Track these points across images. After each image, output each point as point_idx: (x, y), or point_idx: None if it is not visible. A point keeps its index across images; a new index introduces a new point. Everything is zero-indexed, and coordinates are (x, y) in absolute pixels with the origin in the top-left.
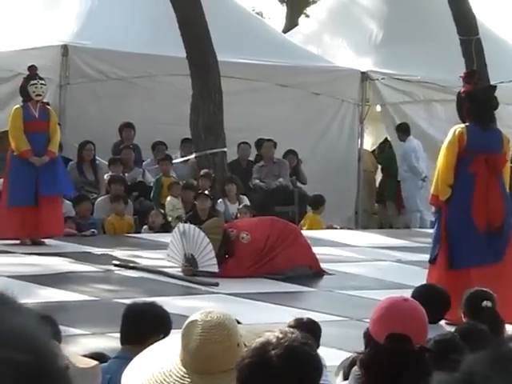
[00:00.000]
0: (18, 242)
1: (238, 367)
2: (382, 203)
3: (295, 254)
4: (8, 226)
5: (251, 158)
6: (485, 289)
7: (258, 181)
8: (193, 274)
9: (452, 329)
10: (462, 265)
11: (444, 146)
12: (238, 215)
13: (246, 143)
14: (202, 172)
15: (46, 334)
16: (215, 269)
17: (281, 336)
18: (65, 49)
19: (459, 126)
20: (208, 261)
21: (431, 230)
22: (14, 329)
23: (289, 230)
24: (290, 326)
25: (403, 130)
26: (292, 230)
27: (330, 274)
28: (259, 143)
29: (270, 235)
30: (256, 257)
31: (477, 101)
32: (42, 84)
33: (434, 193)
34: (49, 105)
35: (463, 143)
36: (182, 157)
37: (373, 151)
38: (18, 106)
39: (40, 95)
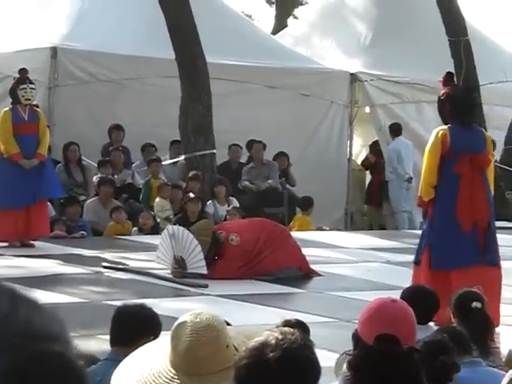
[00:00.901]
0: (6, 244)
1: (235, 366)
2: (371, 204)
3: (284, 255)
4: (1, 230)
5: (243, 159)
6: (474, 289)
7: (247, 182)
8: (182, 276)
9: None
10: (444, 266)
11: (427, 147)
12: (228, 217)
13: (237, 145)
14: (191, 174)
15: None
16: (204, 270)
17: (280, 337)
18: (54, 51)
19: (442, 128)
20: (197, 262)
21: (420, 231)
22: (42, 325)
23: (278, 231)
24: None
25: (393, 130)
26: (281, 232)
27: (320, 276)
28: (250, 145)
29: (259, 237)
30: (245, 259)
31: (458, 102)
32: (31, 88)
33: (419, 194)
34: (38, 107)
35: (446, 144)
36: (172, 159)
37: (364, 159)
38: (6, 108)
39: (29, 99)
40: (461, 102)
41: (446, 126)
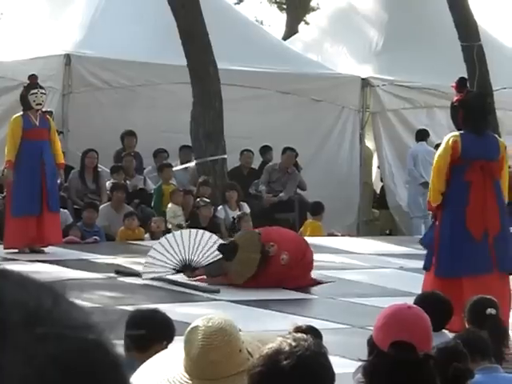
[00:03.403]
0: (16, 250)
1: (248, 374)
2: (383, 209)
3: (309, 271)
4: (11, 236)
5: (255, 165)
6: (488, 296)
7: (263, 187)
8: (195, 276)
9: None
10: (453, 273)
11: (437, 153)
12: (243, 223)
13: (249, 151)
14: (201, 179)
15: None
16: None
17: (294, 344)
18: (67, 58)
19: (453, 134)
20: (207, 258)
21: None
22: (80, 317)
23: (304, 246)
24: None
25: (417, 135)
26: (306, 247)
27: (328, 282)
28: (264, 150)
29: (301, 257)
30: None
31: (471, 108)
32: (42, 93)
33: (428, 199)
34: (52, 114)
35: (457, 151)
36: (182, 163)
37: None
38: (18, 114)
39: (40, 104)
40: (474, 107)
41: (457, 133)
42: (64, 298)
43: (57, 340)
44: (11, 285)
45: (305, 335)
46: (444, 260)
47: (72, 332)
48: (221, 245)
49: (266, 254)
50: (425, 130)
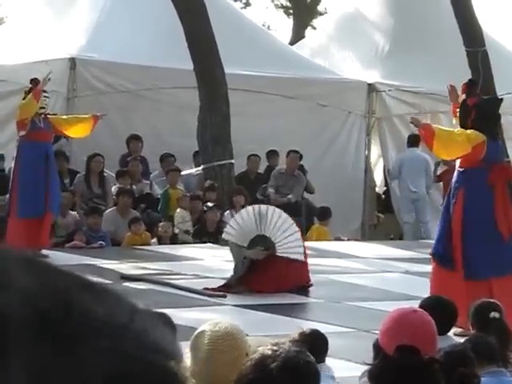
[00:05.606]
0: None
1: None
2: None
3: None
4: (13, 239)
5: (260, 169)
6: (492, 300)
7: (272, 190)
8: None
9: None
10: (484, 275)
11: (474, 132)
12: None
13: (256, 155)
14: (207, 184)
15: (181, 349)
16: (301, 257)
17: (275, 348)
18: (72, 62)
19: (481, 134)
20: (292, 248)
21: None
22: (156, 340)
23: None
24: (294, 339)
25: (408, 140)
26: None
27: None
28: (270, 155)
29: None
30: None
31: (485, 112)
32: (45, 97)
33: (434, 130)
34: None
35: (482, 153)
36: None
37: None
38: None
39: (43, 108)
40: (489, 111)
41: (481, 134)
42: (145, 317)
43: (120, 358)
44: (86, 295)
45: (282, 340)
46: (475, 262)
47: (141, 353)
48: None
49: None
50: (415, 135)
